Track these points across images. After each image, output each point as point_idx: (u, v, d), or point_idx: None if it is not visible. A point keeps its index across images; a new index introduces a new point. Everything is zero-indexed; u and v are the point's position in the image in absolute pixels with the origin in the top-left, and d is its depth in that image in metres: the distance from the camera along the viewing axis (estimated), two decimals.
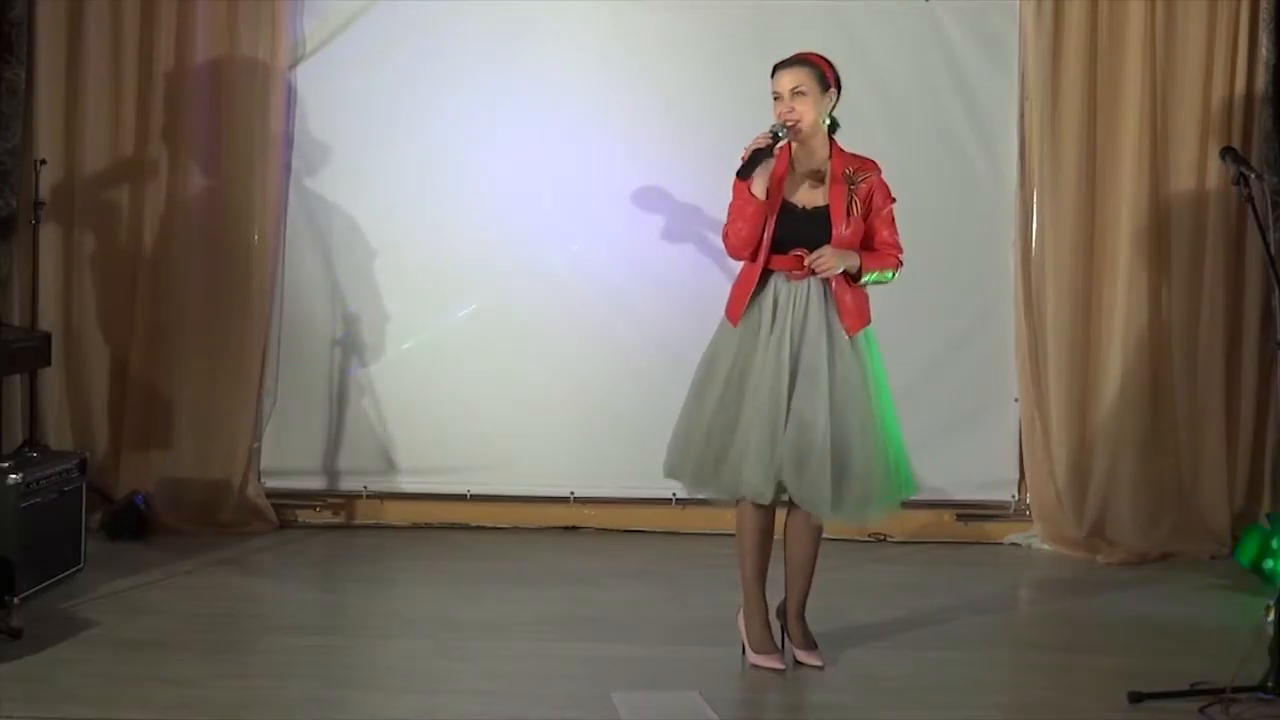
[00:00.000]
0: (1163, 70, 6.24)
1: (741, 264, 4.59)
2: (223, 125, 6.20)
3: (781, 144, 4.45)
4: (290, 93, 6.26)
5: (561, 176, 6.30)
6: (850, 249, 4.47)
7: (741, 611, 4.63)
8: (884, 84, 6.25)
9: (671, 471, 4.60)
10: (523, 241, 6.31)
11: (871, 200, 4.54)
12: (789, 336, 4.44)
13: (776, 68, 4.56)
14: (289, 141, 6.26)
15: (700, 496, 4.75)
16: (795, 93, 4.49)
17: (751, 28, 6.23)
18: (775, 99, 4.52)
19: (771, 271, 4.49)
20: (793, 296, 4.48)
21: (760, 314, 4.49)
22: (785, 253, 4.47)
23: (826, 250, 4.43)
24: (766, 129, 4.45)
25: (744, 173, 4.42)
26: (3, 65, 5.95)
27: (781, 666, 4.55)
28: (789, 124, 4.44)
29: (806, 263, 4.44)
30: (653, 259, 6.29)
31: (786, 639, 4.64)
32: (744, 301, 4.50)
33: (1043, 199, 6.29)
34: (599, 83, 6.32)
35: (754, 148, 4.41)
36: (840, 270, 4.45)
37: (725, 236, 4.56)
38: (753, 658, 4.58)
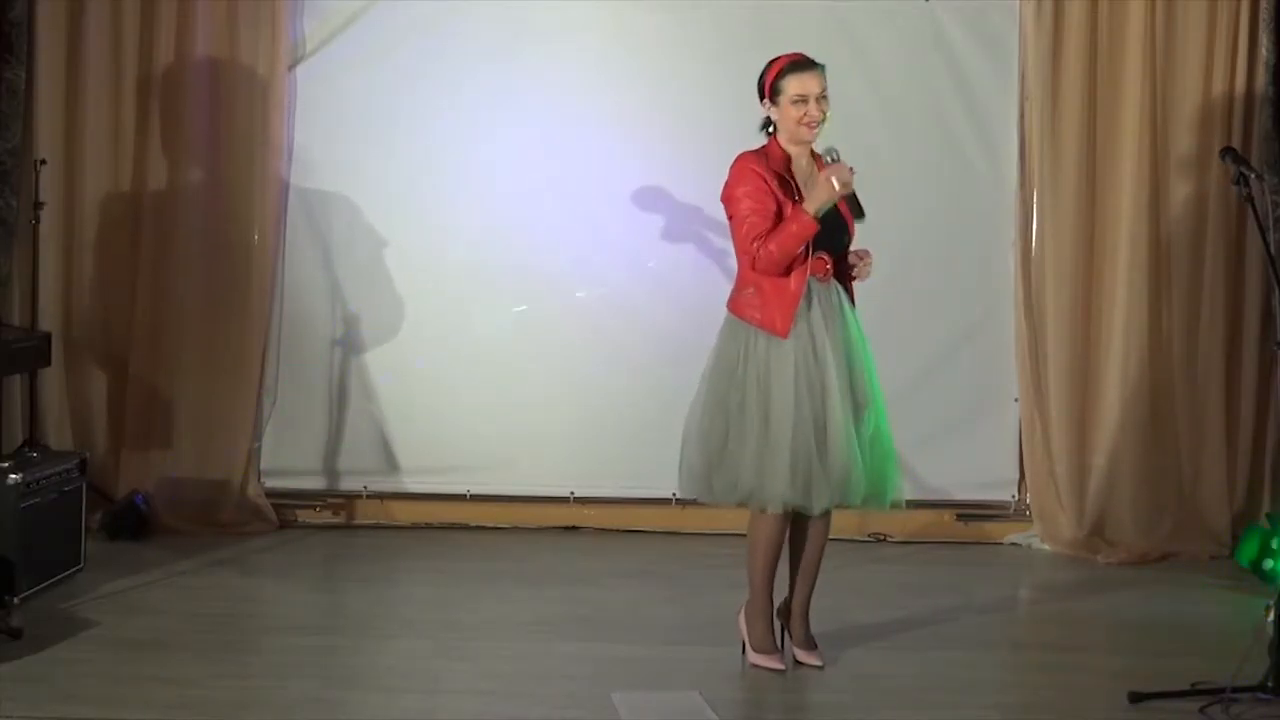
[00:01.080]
0: (1163, 70, 6.24)
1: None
2: (223, 125, 6.20)
3: None
4: (290, 93, 6.25)
5: (561, 176, 6.30)
6: None
7: (743, 611, 4.62)
8: (884, 84, 6.25)
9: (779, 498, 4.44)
10: (523, 241, 6.31)
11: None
12: (829, 343, 4.41)
13: (800, 66, 4.45)
14: (289, 142, 6.26)
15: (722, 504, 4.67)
16: (823, 96, 4.45)
17: (751, 28, 6.22)
18: (799, 100, 4.42)
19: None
20: (828, 299, 4.47)
21: (807, 322, 4.42)
22: (818, 251, 4.42)
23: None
24: (825, 155, 4.38)
25: (818, 206, 4.34)
26: (3, 65, 5.95)
27: (782, 667, 4.54)
28: (836, 148, 4.39)
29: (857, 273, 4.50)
30: (653, 259, 6.29)
31: (787, 638, 4.64)
32: (792, 312, 4.40)
33: (1043, 199, 6.29)
34: (599, 83, 6.32)
35: (841, 183, 4.31)
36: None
37: (760, 253, 4.36)
38: (753, 657, 4.57)
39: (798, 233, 4.34)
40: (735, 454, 4.43)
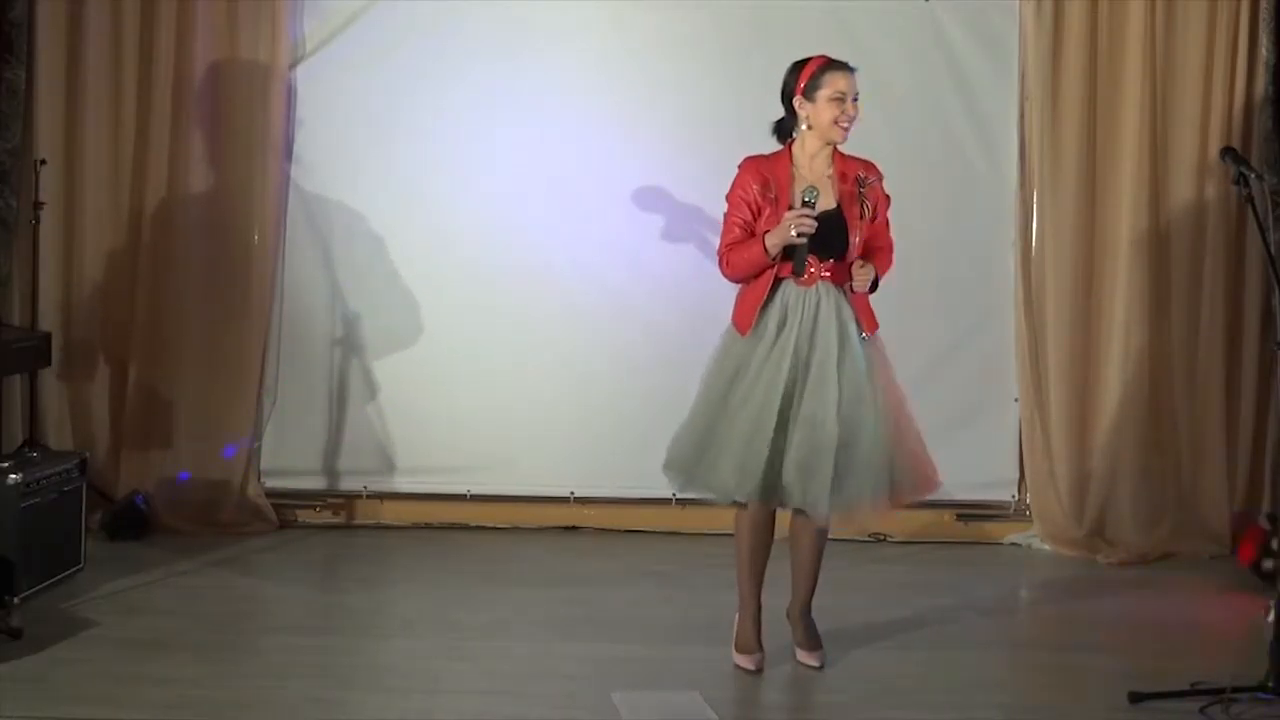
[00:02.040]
0: (1163, 70, 6.24)
1: None
2: (223, 125, 6.20)
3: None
4: (290, 93, 6.25)
5: (561, 176, 6.30)
6: (859, 249, 4.50)
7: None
8: (884, 84, 6.22)
9: (676, 473, 4.57)
10: (522, 241, 6.30)
11: (878, 204, 4.55)
12: (794, 341, 4.42)
13: (838, 65, 4.48)
14: (289, 141, 6.26)
15: (690, 495, 4.74)
16: (856, 98, 4.47)
17: (751, 28, 6.22)
18: (837, 99, 4.44)
19: (780, 279, 4.46)
20: (802, 301, 4.45)
21: (769, 321, 4.45)
22: (800, 255, 4.42)
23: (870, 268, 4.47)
24: (803, 195, 4.37)
25: (776, 251, 4.38)
26: (3, 65, 5.95)
27: (750, 666, 4.53)
28: (815, 188, 4.39)
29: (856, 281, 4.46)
30: (653, 259, 6.28)
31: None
32: (754, 312, 4.45)
33: (1043, 199, 6.29)
34: (599, 82, 6.32)
35: (799, 233, 4.34)
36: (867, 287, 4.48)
37: (724, 262, 4.51)
38: (734, 655, 4.58)
39: (753, 259, 4.44)
40: (688, 440, 4.48)
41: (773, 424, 4.36)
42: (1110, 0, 6.23)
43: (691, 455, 4.47)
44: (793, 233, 4.35)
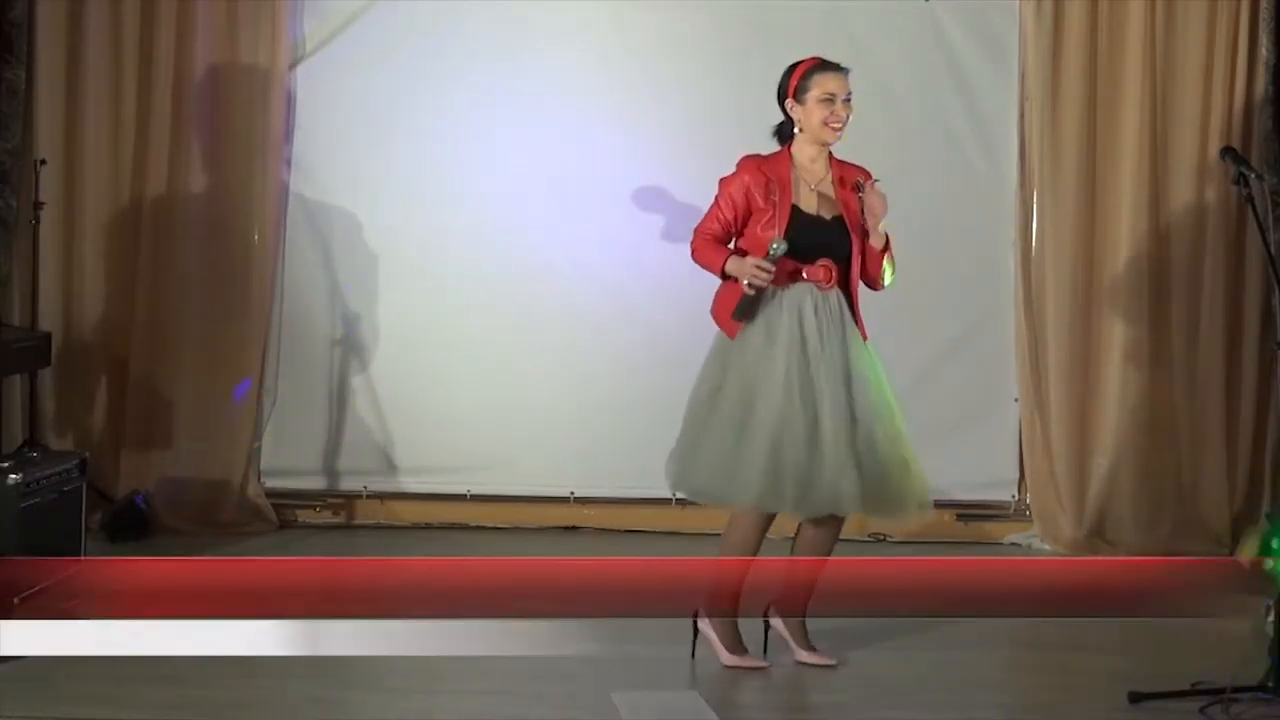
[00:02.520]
0: (1163, 70, 6.24)
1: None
2: (223, 125, 6.20)
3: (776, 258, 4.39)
4: (290, 93, 6.26)
5: (561, 176, 6.30)
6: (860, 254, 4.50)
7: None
8: (884, 84, 6.24)
9: (683, 483, 4.58)
10: (522, 241, 6.30)
11: (876, 206, 4.54)
12: (801, 347, 4.40)
13: (828, 66, 4.48)
14: (289, 141, 6.26)
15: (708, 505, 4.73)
16: (848, 100, 4.47)
17: (751, 28, 6.22)
18: (826, 99, 4.44)
19: (805, 281, 4.45)
20: (827, 305, 4.45)
21: (772, 327, 4.43)
22: (806, 261, 4.42)
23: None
24: (771, 246, 4.35)
25: (739, 316, 4.41)
26: (3, 65, 5.95)
27: (754, 664, 4.52)
28: (784, 241, 4.37)
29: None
30: (653, 259, 6.27)
31: (779, 639, 4.63)
32: (729, 314, 4.46)
33: (1043, 199, 6.29)
34: (599, 82, 6.32)
35: (750, 285, 4.36)
36: (880, 226, 4.47)
37: (694, 244, 4.54)
38: (728, 658, 4.55)
39: (712, 263, 4.49)
40: (707, 456, 4.47)
41: (799, 432, 4.35)
42: (1110, 0, 6.23)
43: (714, 471, 4.43)
44: (744, 283, 4.38)
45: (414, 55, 6.28)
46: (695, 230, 4.57)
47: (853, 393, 4.42)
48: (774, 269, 4.36)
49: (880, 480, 4.41)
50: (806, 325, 4.42)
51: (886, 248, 4.51)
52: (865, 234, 4.49)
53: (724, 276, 4.48)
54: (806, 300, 4.44)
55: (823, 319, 4.44)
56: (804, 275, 4.44)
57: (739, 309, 4.42)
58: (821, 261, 4.45)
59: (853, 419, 4.40)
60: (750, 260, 4.39)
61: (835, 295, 4.48)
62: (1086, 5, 6.23)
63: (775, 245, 4.36)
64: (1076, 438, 6.27)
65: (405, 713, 4.14)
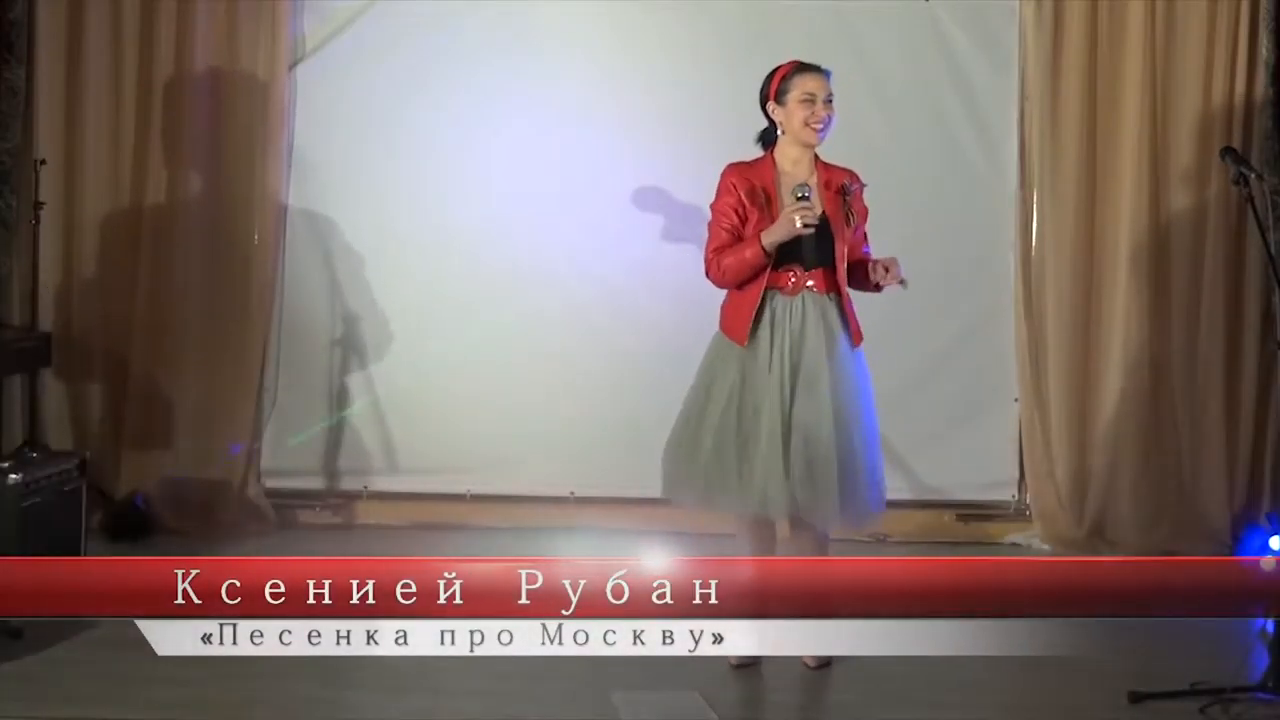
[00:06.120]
0: (1163, 70, 6.24)
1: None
2: (223, 125, 6.20)
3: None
4: (290, 93, 6.26)
5: (561, 176, 6.30)
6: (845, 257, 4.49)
7: None
8: (884, 84, 6.24)
9: (675, 490, 4.62)
10: (522, 241, 6.30)
11: (860, 214, 4.55)
12: (788, 351, 4.42)
13: (807, 68, 4.49)
14: (289, 141, 6.26)
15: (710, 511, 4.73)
16: (829, 100, 4.48)
17: (752, 28, 6.21)
18: (807, 100, 4.45)
19: (767, 289, 4.45)
20: (789, 311, 4.45)
21: (759, 332, 4.45)
22: (788, 264, 4.42)
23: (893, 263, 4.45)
24: (795, 192, 4.36)
25: (773, 249, 4.36)
26: (3, 65, 5.96)
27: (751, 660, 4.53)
28: (808, 185, 4.39)
29: (881, 278, 4.45)
30: (653, 259, 6.28)
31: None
32: (748, 321, 4.44)
33: (1043, 199, 6.29)
34: (599, 83, 6.31)
35: (804, 224, 4.32)
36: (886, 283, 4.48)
37: (713, 266, 4.48)
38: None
39: (749, 260, 4.40)
40: (703, 458, 4.50)
41: (780, 436, 4.37)
42: (1110, 0, 6.23)
43: (709, 473, 4.47)
44: (798, 223, 4.33)
45: (414, 55, 6.28)
46: (707, 254, 4.51)
47: (805, 398, 4.40)
48: (812, 202, 4.36)
49: (812, 484, 4.37)
50: (762, 330, 4.44)
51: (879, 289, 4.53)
52: (847, 236, 4.48)
53: (766, 258, 4.40)
54: (778, 306, 4.45)
55: (798, 323, 4.43)
56: (772, 282, 4.44)
57: (807, 259, 4.39)
58: (787, 267, 4.44)
59: (790, 426, 4.38)
60: (787, 209, 4.36)
61: (809, 299, 4.46)
62: (1086, 5, 6.23)
63: (799, 189, 4.36)
64: (1076, 438, 6.27)
65: (405, 713, 4.15)
